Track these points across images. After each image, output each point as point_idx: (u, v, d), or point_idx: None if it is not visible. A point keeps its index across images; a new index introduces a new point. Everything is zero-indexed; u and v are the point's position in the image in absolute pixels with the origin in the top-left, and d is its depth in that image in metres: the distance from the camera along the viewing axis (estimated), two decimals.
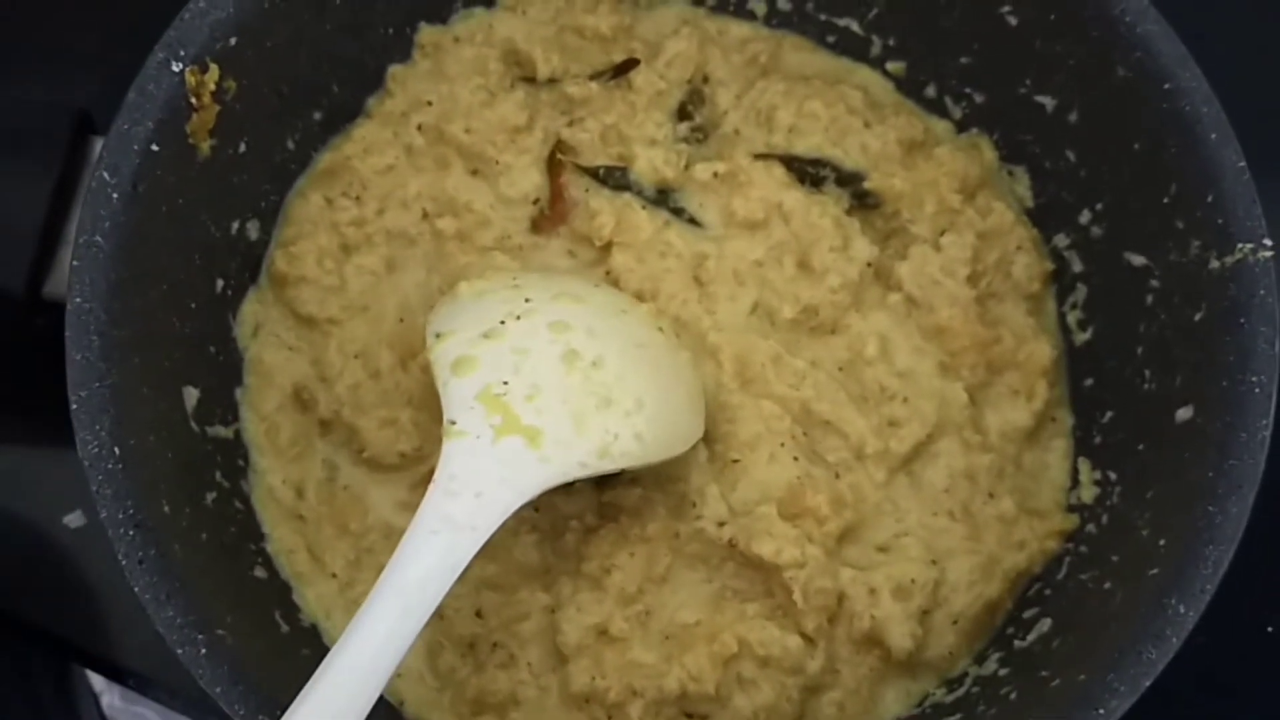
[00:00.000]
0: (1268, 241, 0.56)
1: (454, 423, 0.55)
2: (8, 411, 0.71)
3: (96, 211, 0.55)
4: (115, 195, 0.56)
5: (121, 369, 0.55)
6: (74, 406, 0.52)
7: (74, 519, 0.69)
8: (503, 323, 0.59)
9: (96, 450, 0.52)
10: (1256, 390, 0.54)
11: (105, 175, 0.56)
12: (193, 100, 0.59)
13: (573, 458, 0.55)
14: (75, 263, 0.54)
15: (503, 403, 0.55)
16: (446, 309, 0.62)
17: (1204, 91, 0.59)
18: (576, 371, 0.58)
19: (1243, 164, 0.57)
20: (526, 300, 0.61)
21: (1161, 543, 0.54)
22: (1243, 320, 0.55)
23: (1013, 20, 0.66)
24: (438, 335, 0.59)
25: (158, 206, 0.58)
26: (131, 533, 0.51)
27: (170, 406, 0.59)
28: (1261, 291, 0.55)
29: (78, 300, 0.54)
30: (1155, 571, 0.53)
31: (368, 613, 0.49)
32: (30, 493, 0.70)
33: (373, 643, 0.48)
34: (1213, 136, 0.58)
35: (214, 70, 0.60)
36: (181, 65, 0.58)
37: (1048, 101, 0.67)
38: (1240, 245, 0.56)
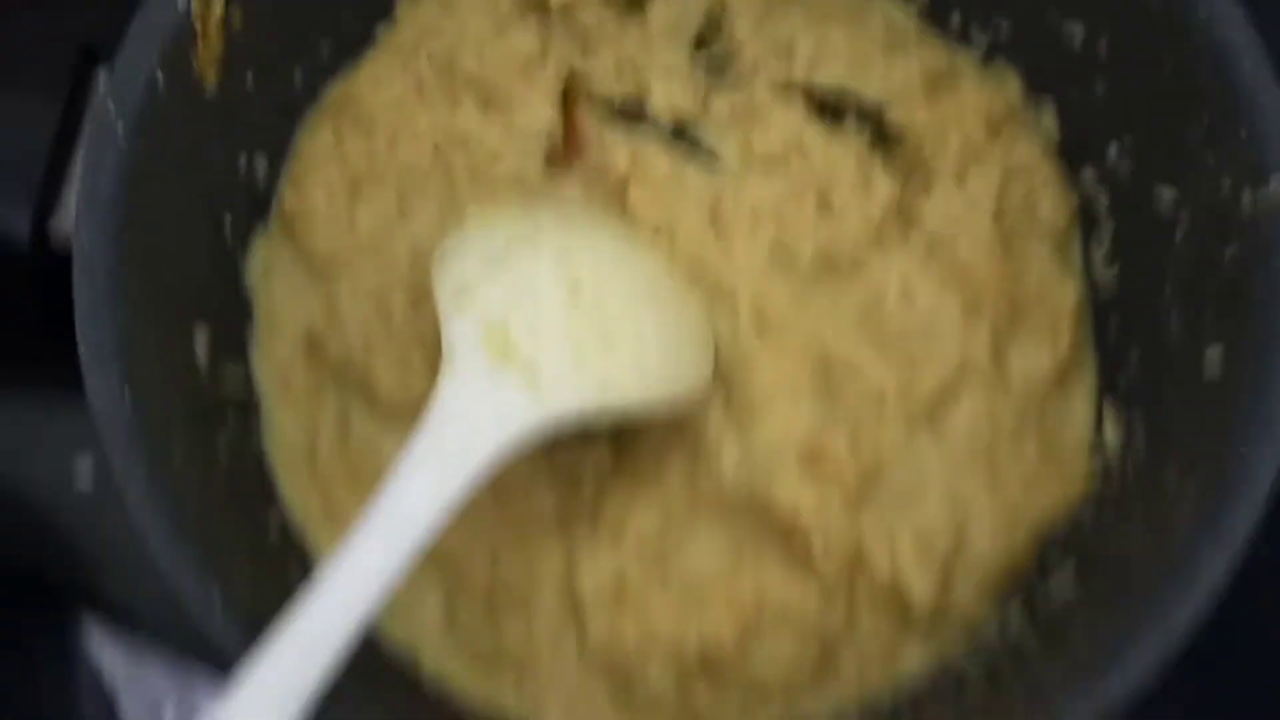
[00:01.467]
0: None
1: (452, 352, 0.54)
2: (14, 360, 0.70)
3: (101, 148, 0.54)
4: (120, 131, 0.54)
5: (131, 312, 0.53)
6: (83, 350, 0.51)
7: (83, 469, 0.68)
8: (508, 252, 0.58)
9: (108, 396, 0.51)
10: None
11: (110, 108, 0.54)
12: (198, 28, 0.57)
13: (570, 394, 0.54)
14: (81, 202, 0.53)
15: (501, 333, 0.54)
16: (455, 237, 0.61)
17: (1238, 18, 0.57)
18: (579, 305, 0.57)
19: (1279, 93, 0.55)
20: (536, 229, 0.60)
21: (1192, 489, 0.53)
22: (1276, 256, 0.54)
23: None
24: (441, 259, 0.58)
25: (164, 142, 0.56)
26: (145, 480, 0.50)
27: (181, 352, 0.58)
28: None
29: (84, 241, 0.52)
30: (1185, 517, 0.52)
31: (352, 545, 0.48)
32: (37, 443, 0.69)
33: (357, 576, 0.47)
34: (1247, 65, 0.56)
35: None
36: None
37: (1077, 29, 0.65)
38: (1275, 179, 0.54)
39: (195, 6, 0.56)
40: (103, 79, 0.59)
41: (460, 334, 0.54)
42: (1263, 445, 0.51)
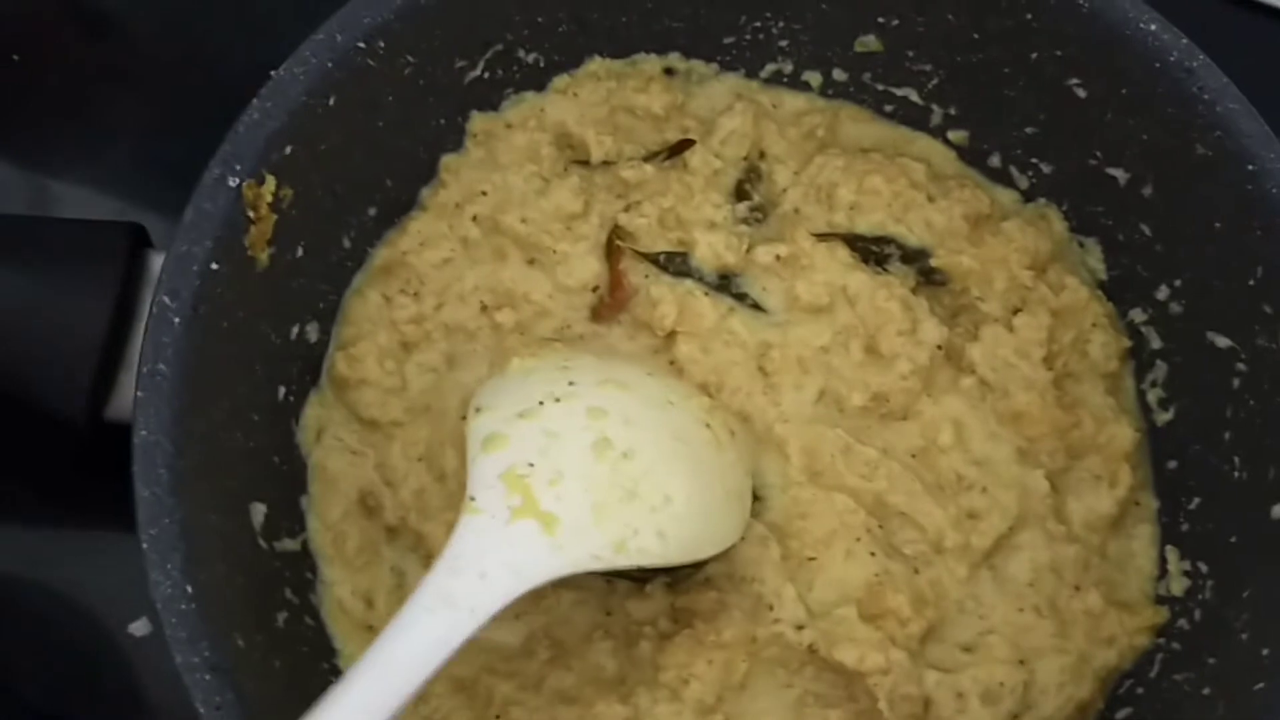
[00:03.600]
0: None
1: (473, 499, 0.54)
2: (72, 523, 0.71)
3: (158, 339, 0.54)
4: (177, 320, 0.55)
5: (190, 500, 0.53)
6: (145, 546, 0.51)
7: (139, 627, 0.68)
8: (541, 403, 0.58)
9: (170, 591, 0.51)
10: None
11: (166, 300, 0.55)
12: (250, 213, 0.58)
13: (587, 549, 0.54)
14: (140, 394, 0.53)
15: (525, 484, 0.54)
16: (493, 384, 0.62)
17: None
18: (605, 460, 0.57)
19: None
20: (570, 384, 0.60)
21: (1265, 652, 0.52)
22: None
23: (1081, 93, 0.64)
24: (477, 409, 0.59)
25: (219, 324, 0.57)
26: (208, 677, 0.50)
27: (238, 526, 0.58)
28: None
29: (143, 433, 0.53)
30: (1260, 686, 0.51)
31: (346, 687, 0.48)
32: (96, 602, 0.69)
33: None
34: None
35: (270, 181, 0.59)
36: (238, 180, 0.57)
37: (1120, 174, 0.65)
38: None
39: (247, 191, 0.57)
40: (156, 263, 0.60)
41: (483, 479, 0.55)
42: None
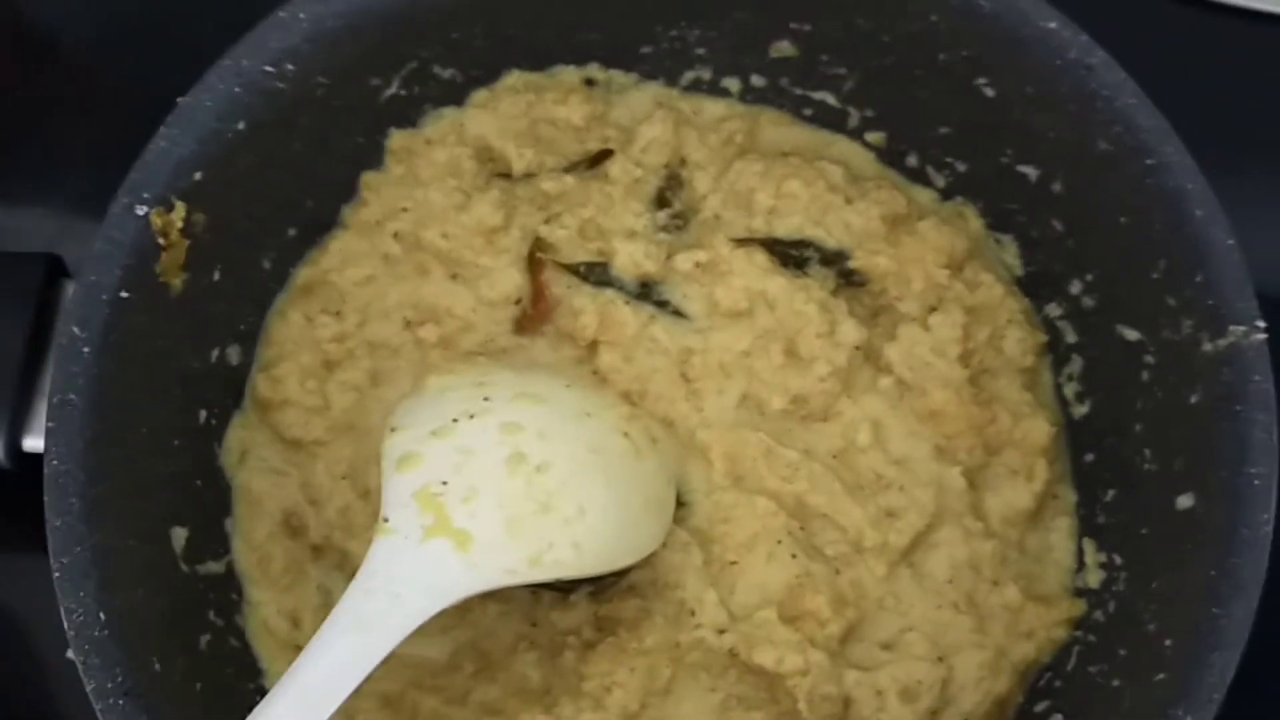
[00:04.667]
0: (1261, 324, 0.54)
1: (386, 520, 0.55)
2: (3, 548, 0.71)
3: (68, 369, 0.55)
4: (86, 350, 0.55)
5: (104, 527, 0.54)
6: (56, 574, 0.52)
7: None
8: (455, 421, 0.59)
9: (81, 618, 0.51)
10: (1256, 482, 0.52)
11: (75, 330, 0.55)
12: (161, 240, 0.58)
13: (501, 563, 0.55)
14: (50, 424, 0.54)
15: (438, 502, 0.55)
16: (410, 403, 0.62)
17: (1188, 166, 0.58)
18: (519, 475, 0.57)
19: (1232, 242, 0.56)
20: (485, 399, 0.61)
21: (1167, 643, 0.53)
22: (1239, 407, 0.54)
23: (990, 92, 0.65)
24: (393, 429, 0.59)
25: (133, 352, 0.58)
26: (121, 702, 0.50)
27: (158, 551, 0.59)
28: (1257, 377, 0.54)
29: (55, 463, 0.53)
30: (1161, 676, 0.52)
31: (265, 709, 0.49)
32: (31, 628, 0.70)
33: None
34: (1199, 214, 0.57)
35: (180, 208, 0.59)
36: (146, 208, 0.58)
37: (1030, 172, 0.65)
38: (1232, 328, 0.55)
39: (156, 219, 0.58)
40: (70, 292, 0.61)
41: (397, 498, 0.55)
42: (1235, 607, 0.50)
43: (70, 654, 0.67)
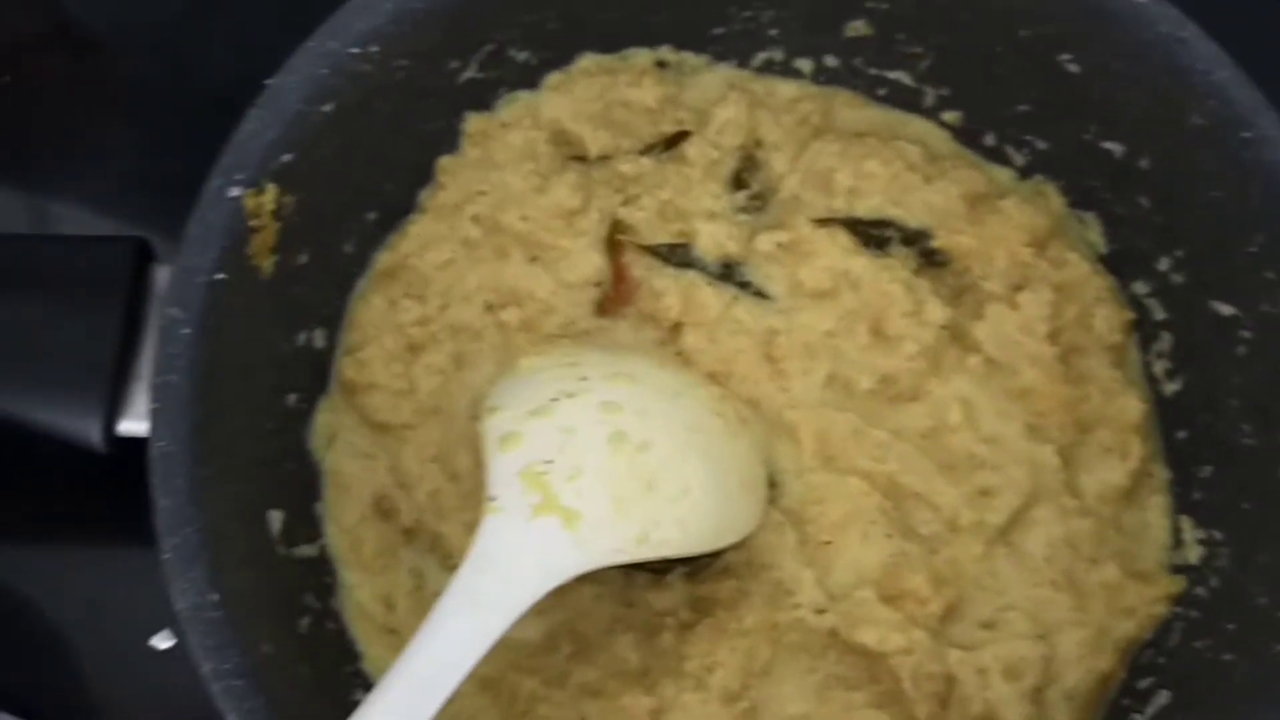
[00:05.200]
0: None
1: (493, 498, 0.54)
2: (87, 541, 0.70)
3: (169, 350, 0.54)
4: (186, 331, 0.55)
5: (209, 508, 0.54)
6: (166, 555, 0.51)
7: (161, 639, 0.68)
8: (554, 400, 0.58)
9: (194, 599, 0.51)
10: None
11: (175, 312, 0.55)
12: (252, 223, 0.58)
13: (609, 543, 0.55)
14: (155, 405, 0.53)
15: (543, 481, 0.54)
16: (504, 383, 0.62)
17: None
18: (622, 454, 0.57)
19: None
20: (582, 379, 0.60)
21: None
22: None
23: (1073, 68, 0.65)
24: (491, 409, 0.59)
25: (227, 334, 0.57)
26: (237, 683, 0.50)
27: (258, 534, 0.58)
28: None
29: (161, 444, 0.53)
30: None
31: (379, 695, 0.48)
32: (115, 618, 0.69)
33: None
34: None
35: (271, 189, 0.59)
36: (239, 190, 0.57)
37: (1115, 148, 0.65)
38: None
39: (248, 202, 0.57)
40: (161, 277, 0.60)
41: (502, 478, 0.55)
42: None
43: (153, 642, 0.68)
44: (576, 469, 0.55)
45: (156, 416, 0.53)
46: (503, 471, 0.55)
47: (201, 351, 0.55)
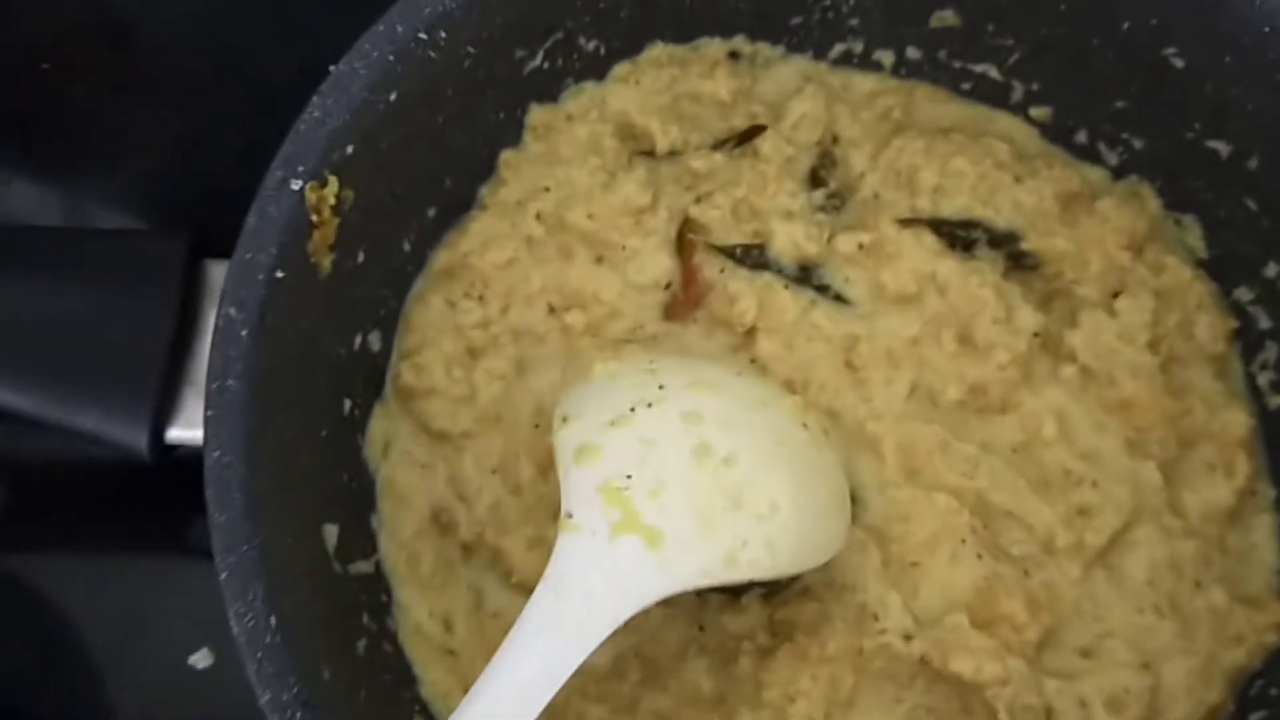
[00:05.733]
0: None
1: (570, 515, 0.51)
2: (130, 550, 0.67)
3: (227, 353, 0.51)
4: (244, 332, 0.52)
5: (266, 523, 0.50)
6: (224, 575, 0.48)
7: (200, 659, 0.65)
8: (632, 410, 0.55)
9: (253, 623, 0.47)
10: None
11: (232, 311, 0.52)
12: (313, 217, 0.55)
13: (695, 564, 0.51)
14: (210, 412, 0.50)
15: (624, 497, 0.51)
16: (578, 391, 0.58)
17: None
18: (706, 468, 0.53)
19: None
20: (660, 387, 0.57)
21: None
22: None
23: (1179, 63, 0.61)
24: (564, 419, 0.55)
25: (285, 335, 0.54)
26: (299, 715, 0.46)
27: (314, 550, 0.55)
28: None
29: (216, 454, 0.50)
30: None
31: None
32: (155, 633, 0.66)
33: None
34: None
35: (333, 182, 0.55)
36: (301, 182, 0.54)
37: (1221, 147, 0.61)
38: None
39: (310, 194, 0.54)
40: (214, 272, 0.57)
41: (579, 494, 0.51)
42: None
43: (192, 661, 0.65)
44: (659, 484, 0.52)
45: (213, 424, 0.50)
46: (580, 487, 0.51)
47: (259, 355, 0.52)
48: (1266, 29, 0.57)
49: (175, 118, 0.79)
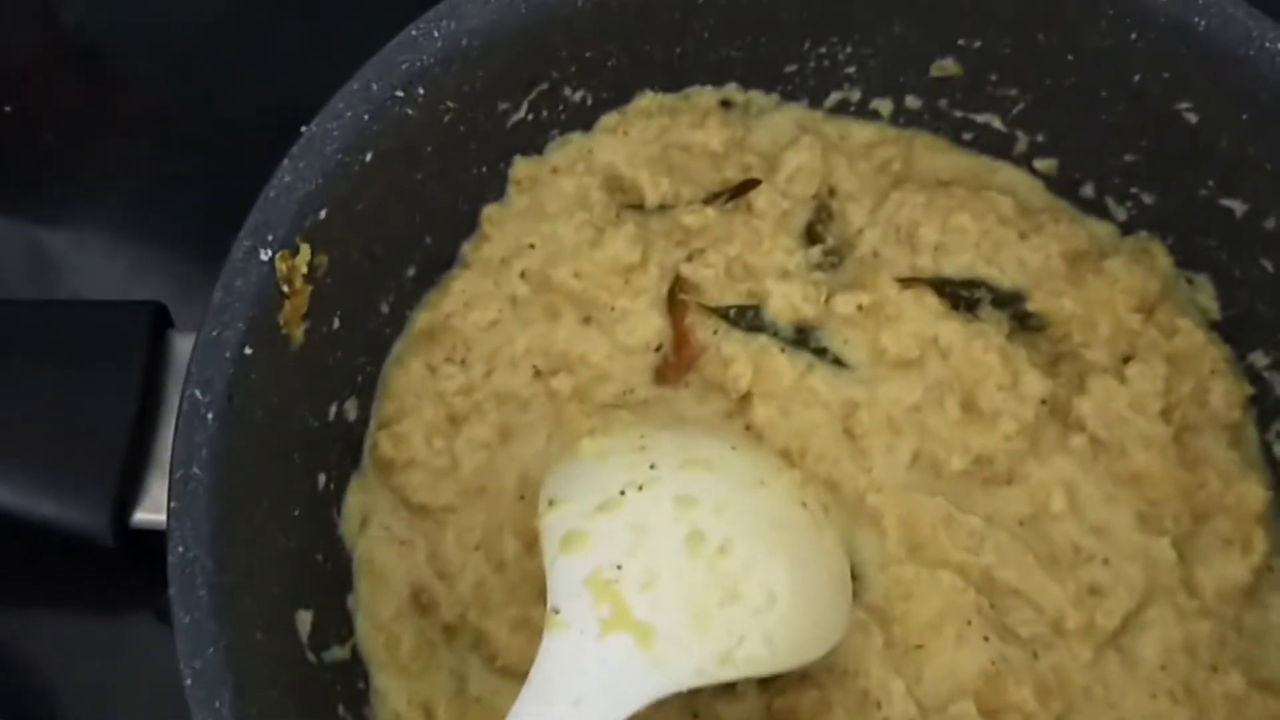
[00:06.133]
0: None
1: (557, 611, 0.48)
2: (98, 617, 0.64)
3: (191, 439, 0.48)
4: (210, 415, 0.49)
5: (234, 620, 0.47)
6: (188, 682, 0.45)
7: None
8: (622, 493, 0.52)
9: None
10: None
11: (197, 393, 0.49)
12: (284, 288, 0.52)
13: (688, 663, 0.48)
14: (174, 504, 0.47)
15: (613, 590, 0.48)
16: (564, 470, 0.55)
17: None
18: (700, 557, 0.51)
19: None
20: (651, 467, 0.54)
21: None
22: None
23: (1192, 118, 0.58)
24: (550, 502, 0.52)
25: (254, 414, 0.51)
26: None
27: (285, 642, 0.52)
28: None
29: (180, 550, 0.47)
30: None
31: None
32: (126, 702, 0.63)
33: None
34: None
35: (305, 250, 0.52)
36: (270, 252, 0.51)
37: (1236, 206, 0.59)
38: None
39: (280, 266, 0.51)
40: (180, 345, 0.54)
41: (566, 586, 0.49)
42: None
43: None
44: (651, 575, 0.49)
45: (176, 517, 0.47)
46: (567, 579, 0.48)
47: (226, 439, 0.49)
48: None
49: (147, 161, 0.76)
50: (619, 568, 0.49)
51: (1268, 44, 0.54)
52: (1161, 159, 0.61)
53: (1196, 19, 0.55)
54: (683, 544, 0.50)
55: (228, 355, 0.49)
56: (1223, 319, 0.62)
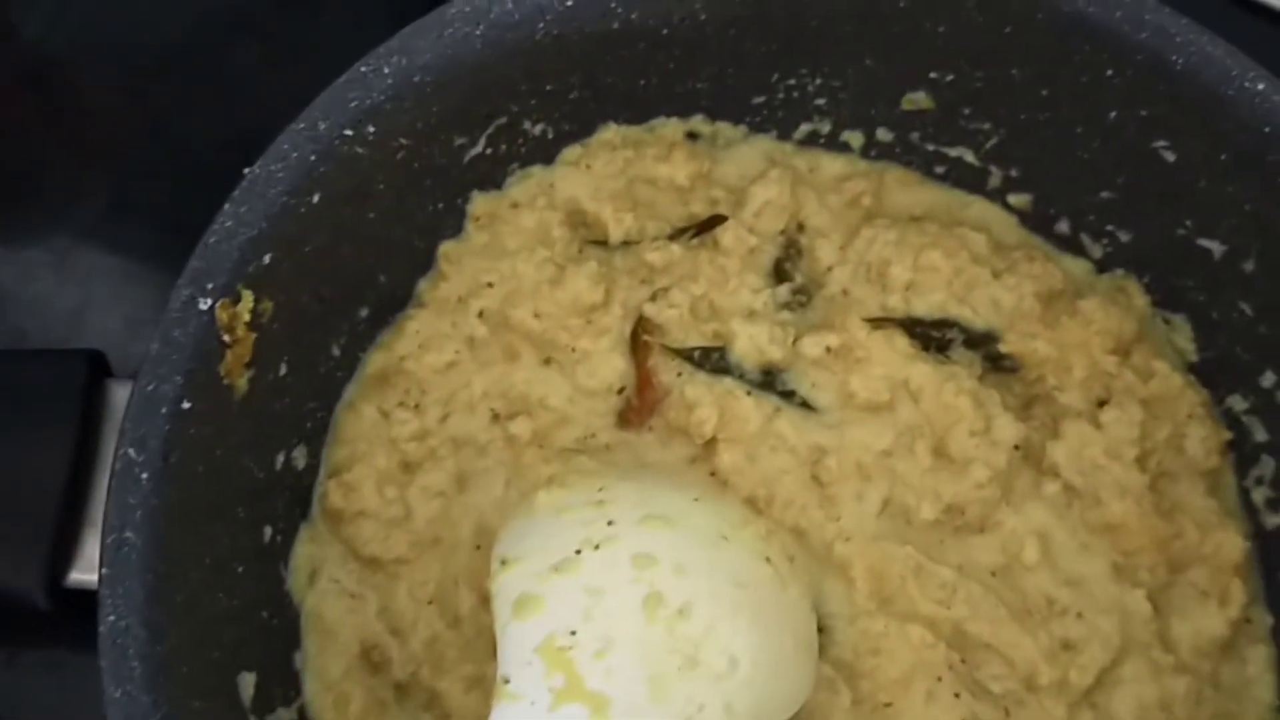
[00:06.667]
0: None
1: (507, 681, 0.46)
2: (41, 673, 0.61)
3: (124, 500, 0.46)
4: (145, 475, 0.46)
5: (169, 692, 0.45)
6: None
7: None
8: (578, 552, 0.50)
9: None
10: None
11: (131, 452, 0.46)
12: (225, 337, 0.49)
13: None
14: (105, 570, 0.45)
15: (566, 659, 0.46)
16: (518, 527, 0.53)
17: None
18: (658, 621, 0.48)
19: None
20: (609, 523, 0.52)
21: None
22: None
23: (1170, 156, 0.57)
24: (503, 562, 0.51)
25: (193, 470, 0.49)
26: None
27: (226, 708, 0.50)
28: None
29: (111, 619, 0.44)
30: None
31: None
32: None
33: None
34: None
35: (247, 297, 0.50)
36: (210, 300, 0.49)
37: (1214, 246, 0.57)
38: None
39: (221, 314, 0.49)
40: (118, 395, 0.52)
41: (517, 654, 0.47)
42: None
43: None
44: (606, 642, 0.47)
45: (107, 585, 0.44)
46: (518, 646, 0.46)
47: (163, 499, 0.47)
48: (1266, 129, 0.53)
49: (97, 188, 0.74)
50: (573, 633, 0.47)
51: (1247, 84, 0.53)
52: (1138, 197, 0.59)
53: (1174, 57, 0.54)
54: (640, 606, 0.48)
55: (164, 411, 0.47)
56: (1200, 361, 0.60)
